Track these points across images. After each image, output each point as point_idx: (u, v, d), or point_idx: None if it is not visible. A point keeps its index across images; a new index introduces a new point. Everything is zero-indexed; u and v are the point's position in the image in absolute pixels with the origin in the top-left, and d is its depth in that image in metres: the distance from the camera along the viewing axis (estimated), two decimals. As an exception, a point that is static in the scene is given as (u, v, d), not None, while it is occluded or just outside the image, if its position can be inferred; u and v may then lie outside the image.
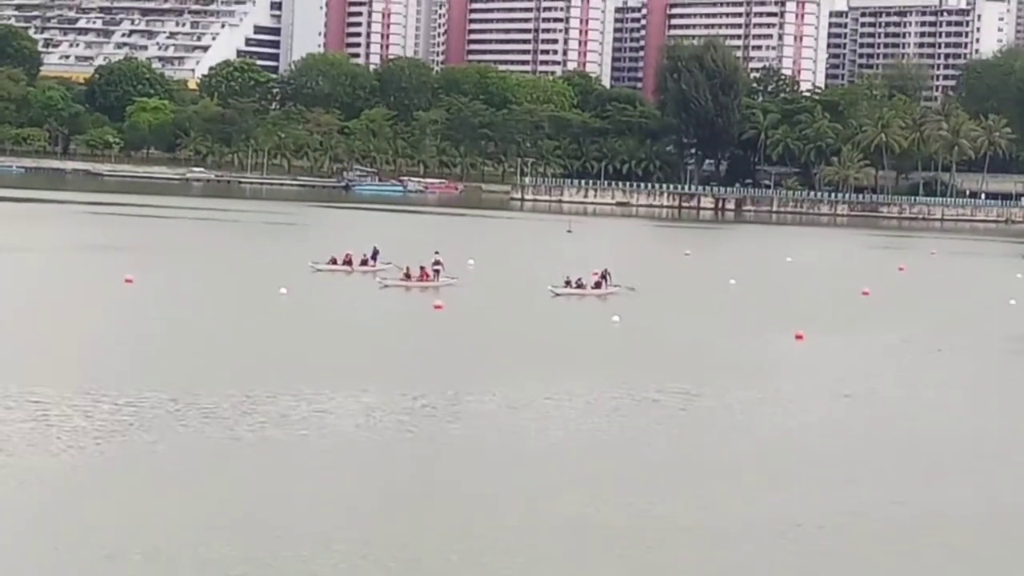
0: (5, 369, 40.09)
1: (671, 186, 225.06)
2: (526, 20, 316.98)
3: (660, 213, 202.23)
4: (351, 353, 47.82)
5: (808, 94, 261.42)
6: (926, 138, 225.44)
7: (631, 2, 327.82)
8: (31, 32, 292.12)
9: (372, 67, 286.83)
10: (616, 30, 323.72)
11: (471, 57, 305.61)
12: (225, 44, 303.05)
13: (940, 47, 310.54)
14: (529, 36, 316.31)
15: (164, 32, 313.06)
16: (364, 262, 77.86)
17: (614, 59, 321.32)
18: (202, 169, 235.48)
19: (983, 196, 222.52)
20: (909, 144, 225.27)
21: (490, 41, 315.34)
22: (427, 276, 71.12)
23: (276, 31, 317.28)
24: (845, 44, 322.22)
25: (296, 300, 62.49)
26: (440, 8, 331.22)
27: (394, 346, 51.02)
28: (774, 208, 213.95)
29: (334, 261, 77.40)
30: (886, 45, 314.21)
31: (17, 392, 36.28)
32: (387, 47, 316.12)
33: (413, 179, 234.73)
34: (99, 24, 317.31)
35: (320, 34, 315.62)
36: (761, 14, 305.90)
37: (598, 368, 46.81)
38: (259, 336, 51.54)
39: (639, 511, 28.22)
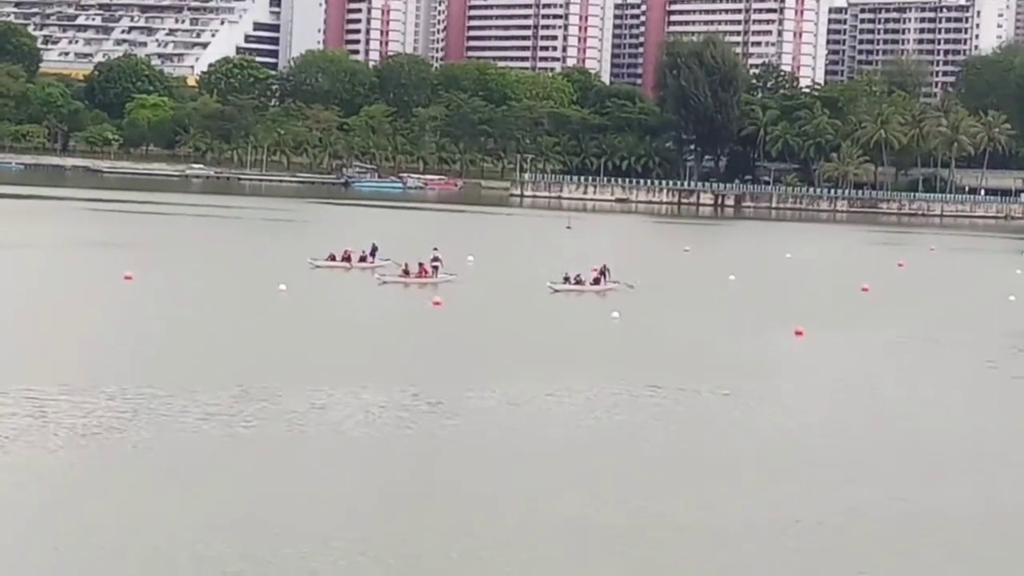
0: (4, 366, 40.07)
1: (670, 182, 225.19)
2: (525, 16, 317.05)
3: (659, 209, 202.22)
4: (350, 350, 47.78)
5: (807, 90, 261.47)
6: (925, 134, 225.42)
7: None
8: (31, 29, 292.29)
9: (371, 63, 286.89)
10: (615, 26, 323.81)
11: (470, 53, 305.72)
12: (224, 41, 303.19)
13: (939, 43, 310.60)
14: (528, 32, 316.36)
15: (163, 29, 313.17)
16: (363, 259, 77.88)
17: (613, 55, 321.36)
18: (201, 166, 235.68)
19: (982, 192, 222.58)
20: (908, 140, 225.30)
21: (489, 37, 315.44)
22: (426, 273, 71.11)
23: (275, 28, 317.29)
24: (844, 40, 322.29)
25: (295, 297, 62.48)
26: (439, 4, 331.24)
27: (393, 343, 50.99)
28: (773, 204, 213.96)
29: (333, 258, 77.41)
30: (885, 41, 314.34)
31: (15, 389, 36.22)
32: (386, 43, 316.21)
33: (412, 176, 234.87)
34: (98, 21, 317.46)
35: (319, 31, 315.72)
36: (760, 10, 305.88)
37: (597, 365, 46.77)
38: (258, 333, 51.51)
39: (638, 509, 28.19)
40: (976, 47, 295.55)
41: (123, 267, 68.04)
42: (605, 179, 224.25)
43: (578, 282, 69.62)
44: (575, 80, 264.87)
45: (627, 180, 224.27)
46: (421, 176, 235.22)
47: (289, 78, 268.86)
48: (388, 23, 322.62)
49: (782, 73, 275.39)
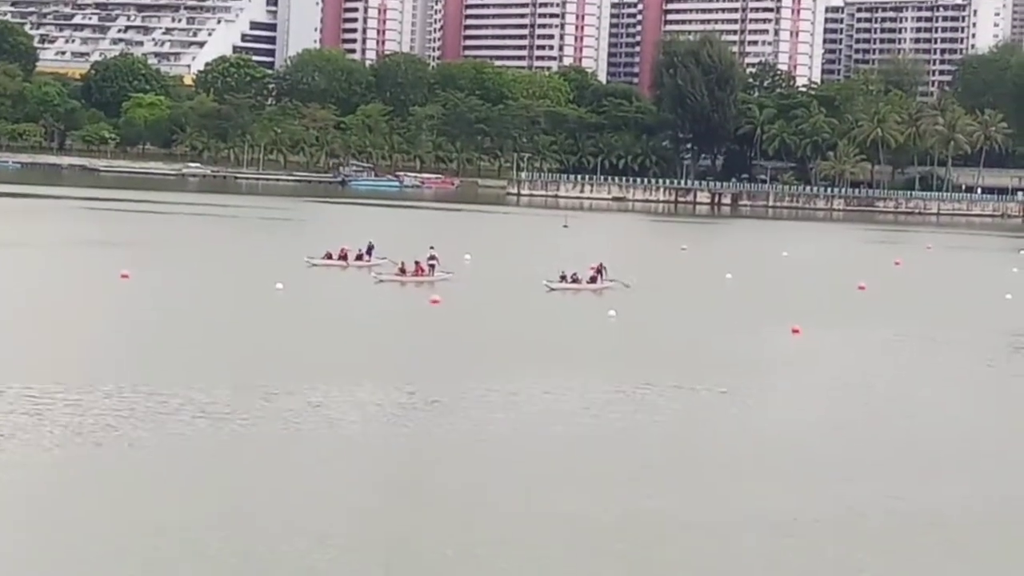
0: (1, 364, 40.03)
1: (667, 181, 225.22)
2: (522, 15, 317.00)
3: (656, 208, 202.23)
4: (346, 348, 47.77)
5: (804, 89, 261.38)
6: (922, 133, 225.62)
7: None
8: (27, 28, 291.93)
9: (368, 63, 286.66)
10: (612, 25, 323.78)
11: (467, 52, 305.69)
12: (221, 40, 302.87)
13: (936, 42, 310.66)
14: (525, 31, 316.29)
15: (160, 28, 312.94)
16: (359, 257, 77.93)
17: (610, 54, 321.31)
18: (198, 165, 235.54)
19: (979, 191, 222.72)
20: (905, 139, 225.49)
21: (486, 36, 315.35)
22: (422, 271, 71.09)
23: (272, 27, 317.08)
24: (841, 39, 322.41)
25: (292, 295, 62.47)
26: (436, 3, 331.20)
27: (390, 341, 50.99)
28: (770, 203, 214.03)
29: (329, 256, 77.43)
30: (882, 40, 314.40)
31: (12, 387, 36.19)
32: (383, 43, 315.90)
33: (409, 174, 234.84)
34: (95, 20, 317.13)
35: (316, 30, 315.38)
36: (757, 9, 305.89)
37: (594, 363, 46.76)
38: (255, 331, 51.51)
39: (635, 506, 28.20)
40: (972, 46, 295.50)
41: (120, 266, 68.01)
42: (602, 178, 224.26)
43: (575, 281, 69.61)
44: (572, 79, 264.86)
45: (624, 179, 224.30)
46: (418, 175, 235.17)
47: (286, 77, 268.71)
48: (385, 22, 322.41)
49: (779, 72, 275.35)
